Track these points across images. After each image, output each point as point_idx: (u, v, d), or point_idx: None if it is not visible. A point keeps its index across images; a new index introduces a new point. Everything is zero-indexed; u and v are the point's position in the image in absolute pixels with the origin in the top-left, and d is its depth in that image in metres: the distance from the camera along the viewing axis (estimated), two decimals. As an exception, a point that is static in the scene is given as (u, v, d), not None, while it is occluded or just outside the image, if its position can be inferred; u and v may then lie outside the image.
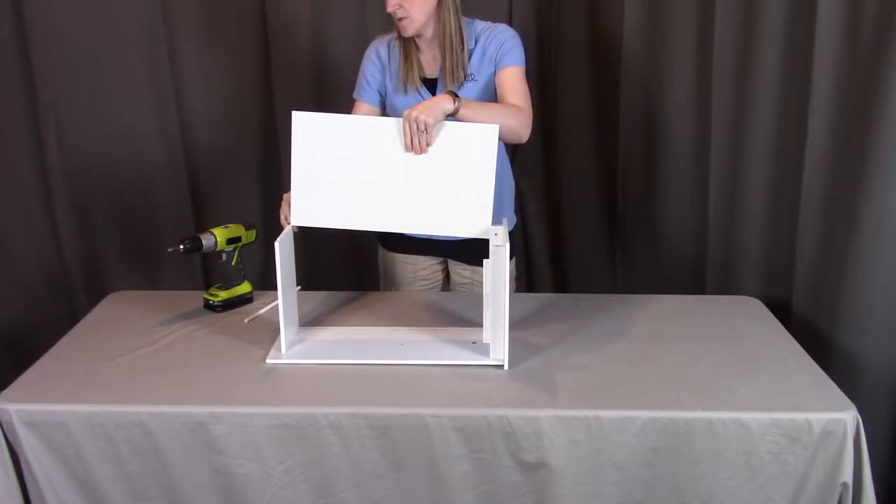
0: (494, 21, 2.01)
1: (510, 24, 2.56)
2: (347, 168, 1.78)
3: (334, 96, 2.58)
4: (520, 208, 2.63)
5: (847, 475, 1.53)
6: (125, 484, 1.59)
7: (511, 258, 2.08)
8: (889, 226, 1.80)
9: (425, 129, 1.70)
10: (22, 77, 2.58)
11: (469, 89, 1.96)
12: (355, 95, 2.08)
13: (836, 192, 1.93)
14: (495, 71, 1.95)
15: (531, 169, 2.75)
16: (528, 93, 1.92)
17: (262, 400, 1.58)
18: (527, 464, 1.55)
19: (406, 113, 1.71)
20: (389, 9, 1.88)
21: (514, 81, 1.92)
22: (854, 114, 1.84)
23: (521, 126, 1.84)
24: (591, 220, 2.77)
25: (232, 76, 2.66)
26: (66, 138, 2.65)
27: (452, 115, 1.74)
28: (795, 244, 2.06)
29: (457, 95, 1.74)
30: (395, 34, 2.00)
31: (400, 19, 1.90)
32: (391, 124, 1.76)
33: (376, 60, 2.04)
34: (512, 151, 2.72)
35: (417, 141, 1.71)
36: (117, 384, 1.64)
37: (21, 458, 1.58)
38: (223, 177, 2.77)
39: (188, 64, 2.63)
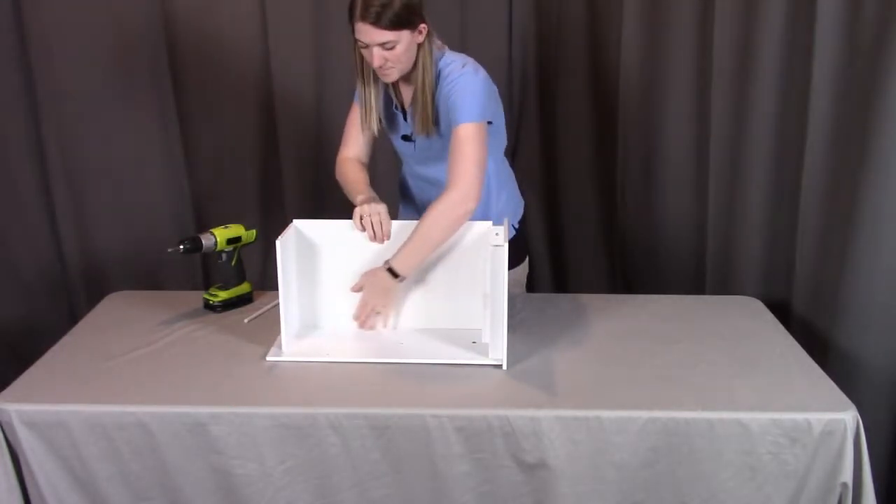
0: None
1: (510, 24, 2.56)
2: (349, 270, 1.85)
3: (336, 97, 2.58)
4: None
5: (847, 475, 1.53)
6: (125, 484, 1.59)
7: (523, 261, 2.09)
8: (888, 226, 1.80)
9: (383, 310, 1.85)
10: (22, 77, 2.58)
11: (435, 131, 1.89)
12: (356, 98, 1.99)
13: (835, 192, 1.93)
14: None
15: (531, 170, 2.75)
16: (475, 153, 1.79)
17: (263, 400, 1.58)
18: (527, 464, 1.55)
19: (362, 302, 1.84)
20: (376, 64, 1.78)
21: (460, 144, 1.80)
22: (854, 114, 1.84)
23: (459, 219, 1.79)
24: (590, 221, 2.76)
25: (233, 75, 2.65)
26: (66, 138, 2.65)
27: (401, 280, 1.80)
28: (795, 244, 2.05)
29: (390, 268, 1.78)
30: None
31: (382, 68, 1.79)
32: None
33: None
34: (512, 152, 2.72)
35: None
36: (117, 384, 1.64)
37: (21, 458, 1.58)
38: (223, 176, 2.77)
39: (188, 64, 2.63)
